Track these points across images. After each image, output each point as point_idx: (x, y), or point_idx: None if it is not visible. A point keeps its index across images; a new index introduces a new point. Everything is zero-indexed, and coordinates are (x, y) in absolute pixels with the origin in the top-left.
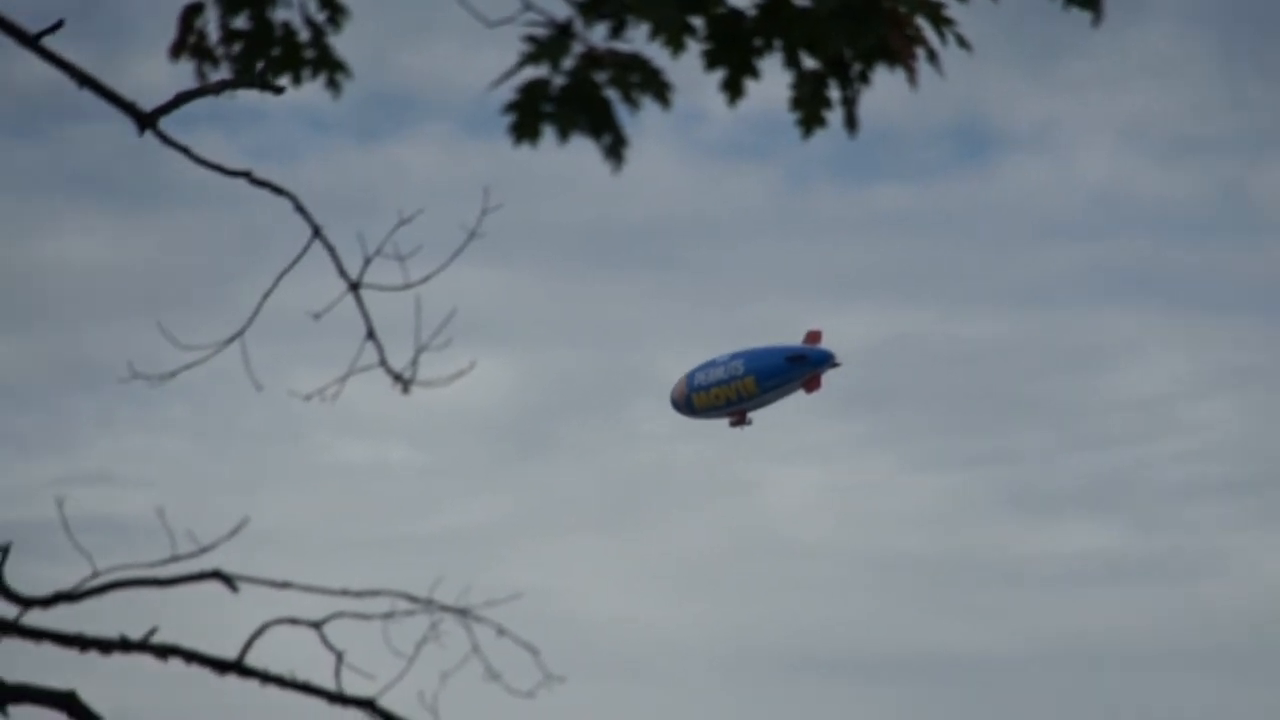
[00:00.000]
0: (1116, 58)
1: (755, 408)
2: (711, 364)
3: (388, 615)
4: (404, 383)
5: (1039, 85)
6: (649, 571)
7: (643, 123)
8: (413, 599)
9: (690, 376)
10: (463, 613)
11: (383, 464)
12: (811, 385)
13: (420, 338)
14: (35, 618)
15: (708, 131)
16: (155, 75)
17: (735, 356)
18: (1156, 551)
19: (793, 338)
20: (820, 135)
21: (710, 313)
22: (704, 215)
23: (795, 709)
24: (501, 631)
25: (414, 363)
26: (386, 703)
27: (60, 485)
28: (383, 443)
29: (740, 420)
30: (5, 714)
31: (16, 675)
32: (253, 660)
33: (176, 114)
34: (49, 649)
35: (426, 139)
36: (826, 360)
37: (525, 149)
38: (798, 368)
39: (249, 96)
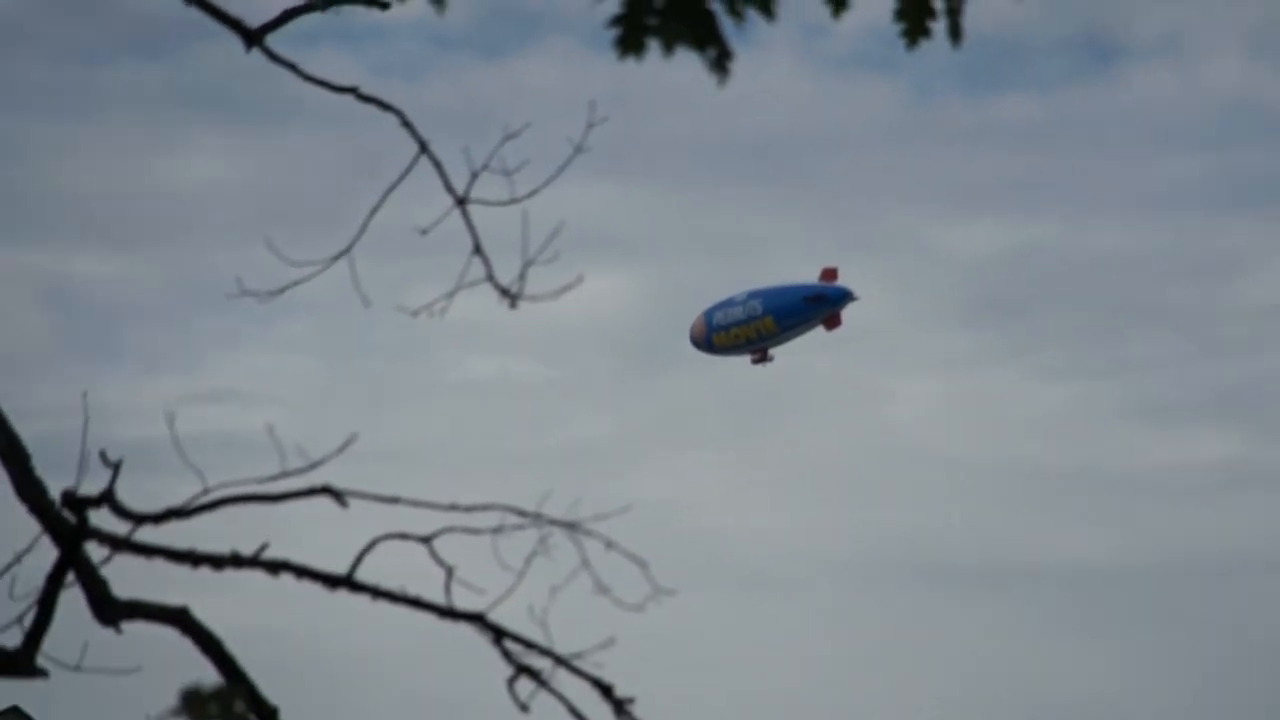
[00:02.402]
0: None
1: (776, 345)
2: (729, 303)
3: (497, 530)
4: (511, 297)
5: None
6: (774, 484)
7: (767, 36)
8: (521, 513)
9: (708, 315)
10: (571, 526)
11: (508, 379)
12: (831, 323)
13: (528, 252)
14: (147, 534)
15: (833, 44)
16: None
17: (753, 295)
18: None
19: (920, 249)
20: (946, 47)
21: (834, 225)
22: (829, 128)
23: (921, 618)
24: (610, 545)
25: (521, 277)
26: (496, 617)
27: (184, 403)
28: (509, 358)
29: (762, 358)
30: (119, 630)
31: (129, 591)
32: (363, 575)
33: (300, 33)
34: (161, 565)
35: (549, 54)
36: (845, 298)
37: (638, 61)
38: (816, 307)
39: (373, 14)
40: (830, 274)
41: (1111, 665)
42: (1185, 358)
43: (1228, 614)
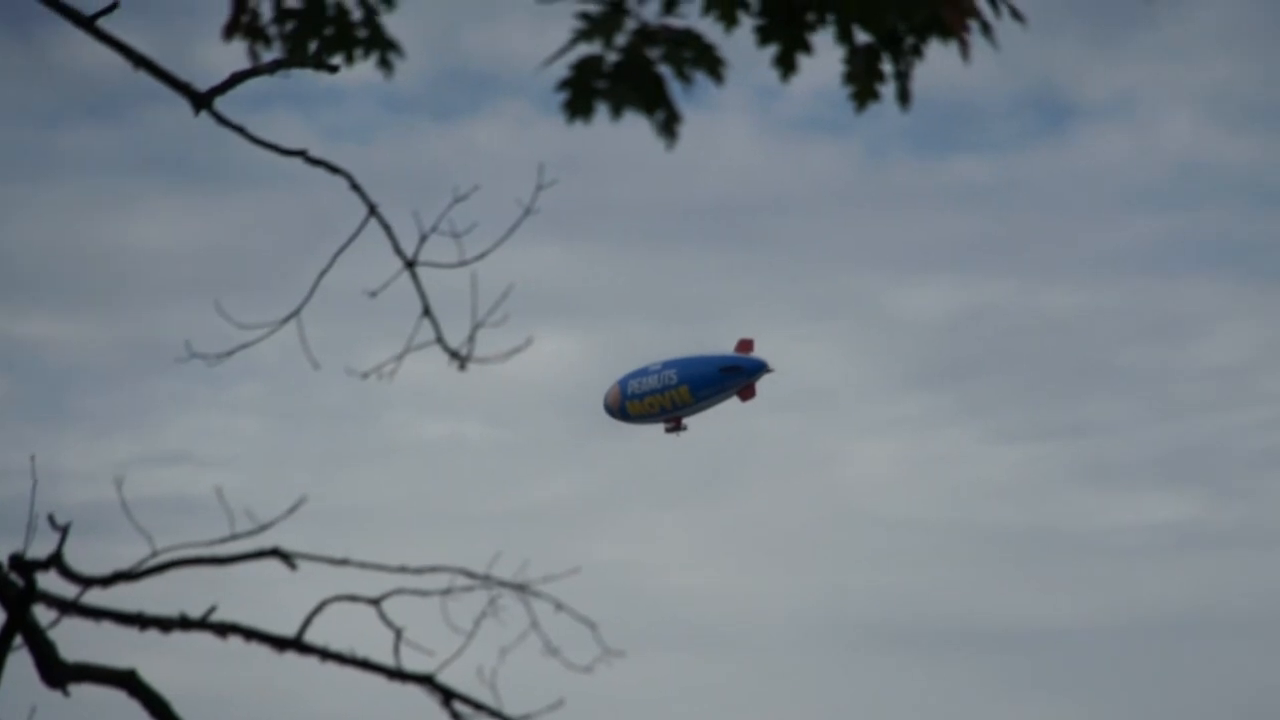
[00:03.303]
0: (1190, 26)
1: (690, 415)
2: (644, 372)
3: (446, 591)
4: (461, 359)
5: (1116, 55)
6: (730, 546)
7: (720, 99)
8: (471, 575)
9: (623, 384)
10: (521, 588)
11: (460, 441)
12: (746, 394)
13: (477, 315)
14: (95, 596)
15: (786, 107)
16: (215, 56)
17: (668, 365)
18: (1237, 521)
19: (874, 311)
20: (898, 110)
21: (788, 287)
22: (782, 191)
23: (877, 681)
24: (560, 606)
25: (470, 339)
26: (445, 678)
27: (136, 465)
28: (461, 420)
29: (676, 427)
30: (67, 693)
31: (77, 654)
32: (312, 637)
33: (251, 96)
34: (109, 627)
35: (500, 117)
36: (760, 369)
37: (586, 124)
38: (732, 377)
39: (324, 78)
40: (746, 345)
41: None
42: (1139, 419)
43: (1182, 673)
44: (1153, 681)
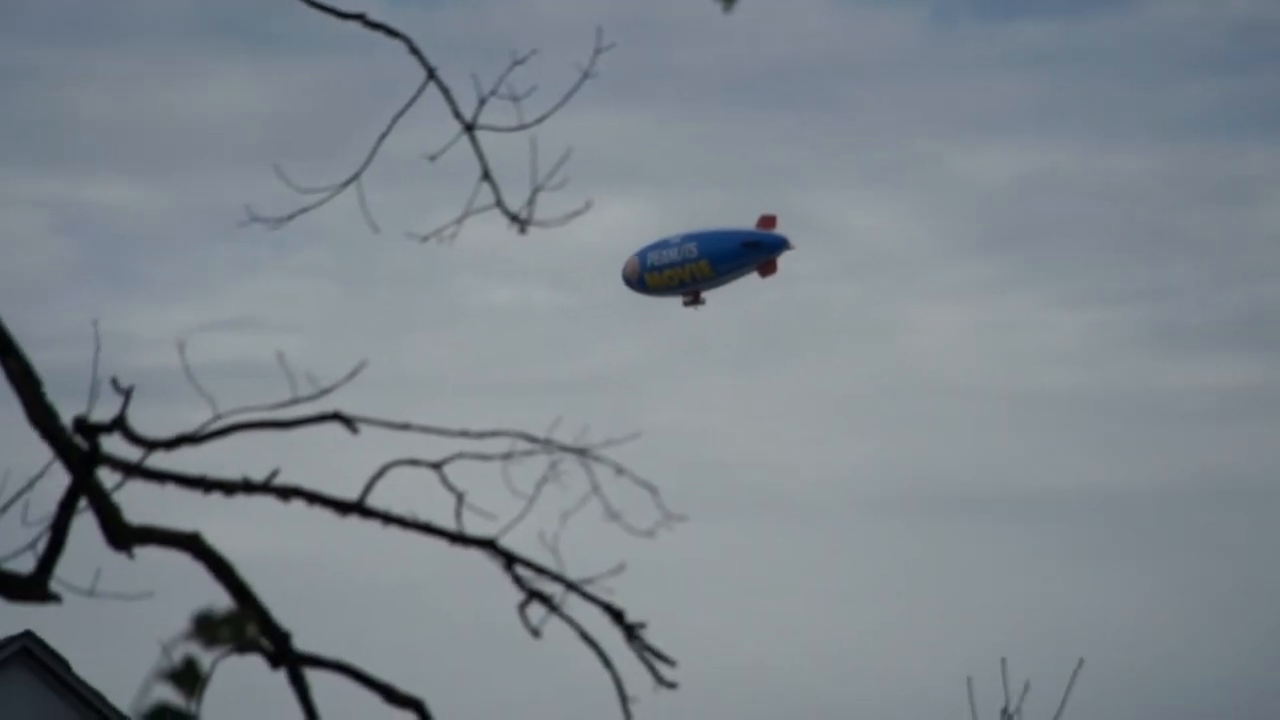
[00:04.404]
0: None
1: (710, 289)
2: (664, 244)
3: (507, 456)
4: (520, 223)
5: None
6: (793, 412)
7: None
8: (532, 439)
9: (642, 255)
10: (581, 452)
11: (526, 306)
12: (767, 270)
13: (537, 179)
14: (159, 460)
15: None
16: None
17: (688, 239)
18: None
19: (938, 176)
20: None
21: (852, 152)
22: (846, 55)
23: (940, 547)
24: (620, 470)
25: (530, 203)
26: (507, 543)
27: (200, 331)
28: (528, 285)
29: (695, 300)
30: (131, 555)
31: (141, 517)
32: (374, 501)
33: None
34: (172, 491)
35: None
36: (781, 246)
37: None
38: (753, 253)
39: None
40: (769, 221)
41: (1133, 590)
42: (1205, 283)
43: (1251, 537)
44: (1220, 547)
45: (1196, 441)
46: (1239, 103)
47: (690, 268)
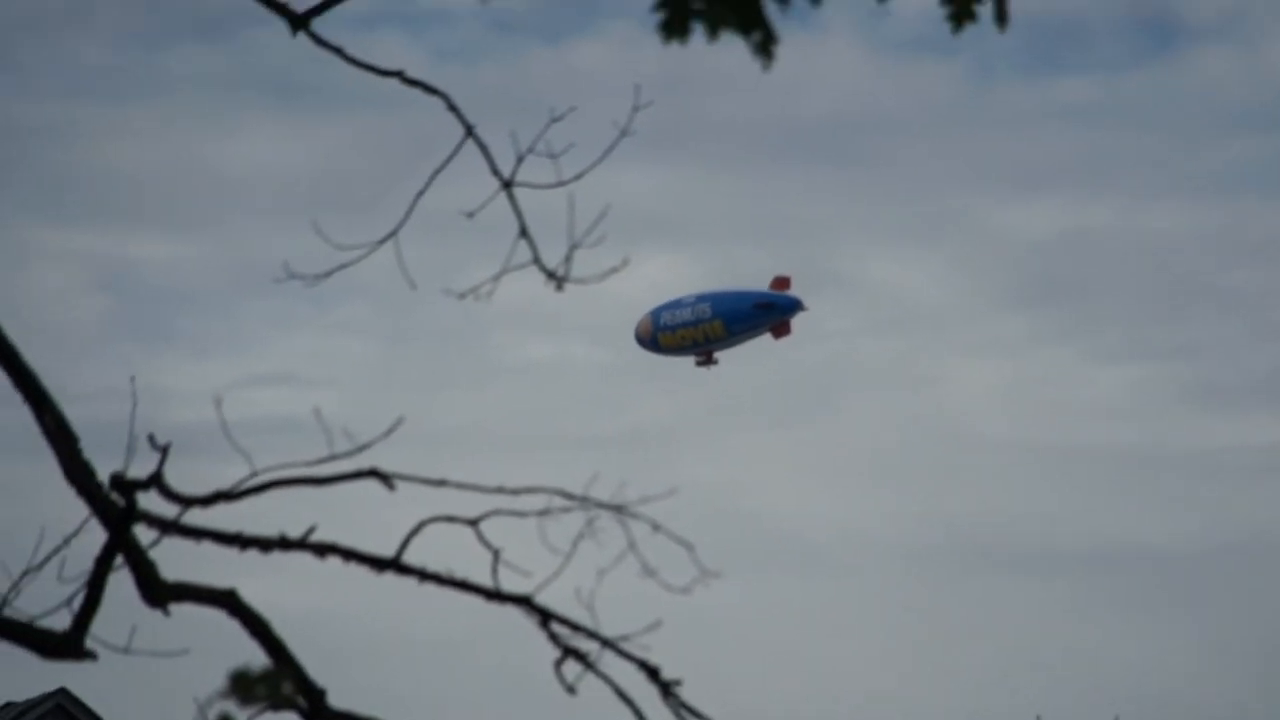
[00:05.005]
0: None
1: (723, 349)
2: (677, 304)
3: (544, 512)
4: (557, 280)
5: None
6: (830, 468)
7: (825, 19)
8: (568, 496)
9: (655, 315)
10: (618, 509)
11: (565, 362)
12: (780, 331)
13: (574, 236)
14: (195, 517)
15: (893, 27)
16: None
17: (701, 299)
18: None
19: (978, 231)
20: (1009, 29)
21: (891, 208)
22: (888, 110)
23: (978, 603)
24: (657, 527)
25: (567, 260)
26: (543, 599)
27: (238, 386)
28: (567, 341)
29: (708, 360)
30: (167, 612)
31: (177, 574)
32: (410, 558)
33: (358, 17)
34: (208, 547)
35: (606, 38)
36: (794, 307)
37: (682, 45)
38: (766, 314)
39: None
40: (782, 283)
41: (1176, 647)
42: (1246, 339)
43: None
44: (1259, 605)
45: (1233, 499)
46: (1279, 159)
47: (704, 328)
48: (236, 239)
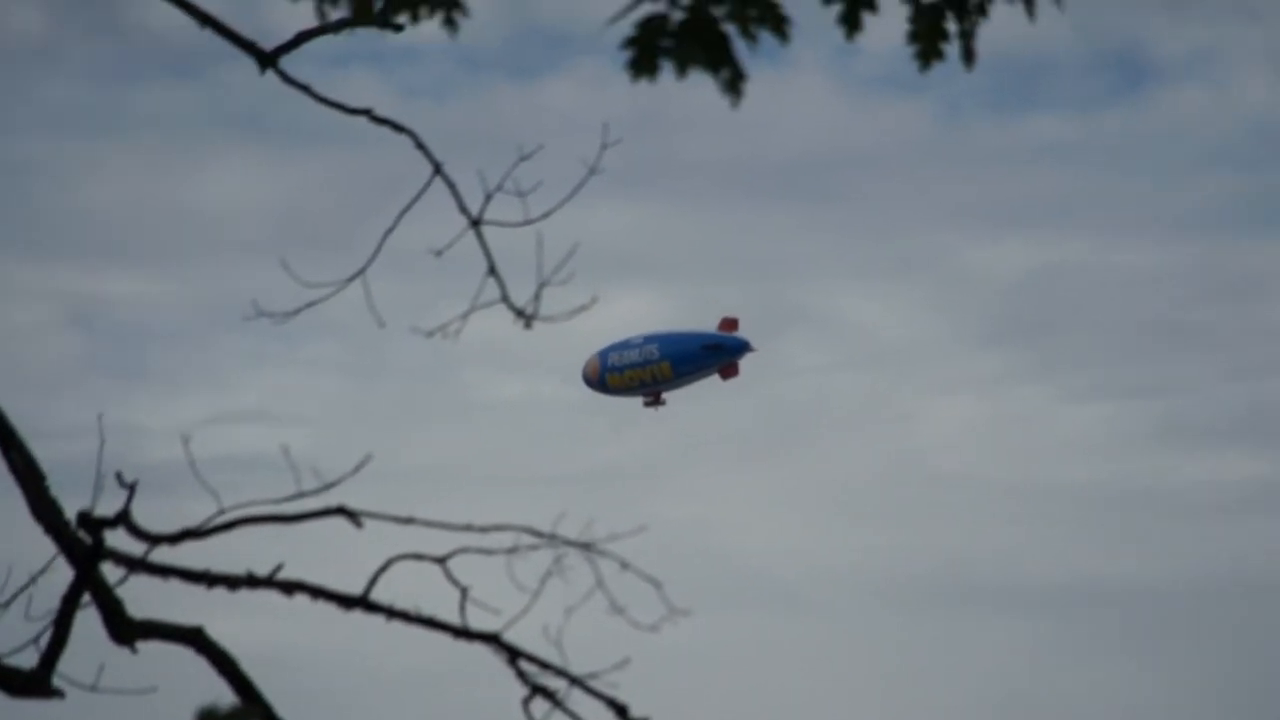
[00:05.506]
0: None
1: (670, 390)
2: (625, 345)
3: (512, 550)
4: (526, 318)
5: (1195, 12)
6: (801, 504)
7: (795, 57)
8: (536, 534)
9: (603, 356)
10: (586, 547)
11: (534, 400)
12: (728, 372)
13: (542, 274)
14: (163, 554)
15: (862, 64)
16: (285, 15)
17: (649, 340)
18: None
19: (949, 269)
20: (976, 67)
21: (862, 246)
22: (857, 148)
23: (948, 639)
24: (625, 565)
25: (535, 298)
26: (511, 637)
27: (208, 423)
28: (536, 379)
29: (655, 401)
30: (134, 649)
31: (145, 611)
32: (378, 596)
33: (328, 55)
34: (176, 585)
35: (575, 76)
36: (742, 348)
37: (651, 83)
38: (714, 356)
39: (404, 37)
40: (730, 324)
41: (1142, 684)
42: (1217, 377)
43: (1262, 633)
44: (1231, 642)
45: (1206, 536)
46: (1250, 198)
47: (651, 369)
48: (207, 276)
